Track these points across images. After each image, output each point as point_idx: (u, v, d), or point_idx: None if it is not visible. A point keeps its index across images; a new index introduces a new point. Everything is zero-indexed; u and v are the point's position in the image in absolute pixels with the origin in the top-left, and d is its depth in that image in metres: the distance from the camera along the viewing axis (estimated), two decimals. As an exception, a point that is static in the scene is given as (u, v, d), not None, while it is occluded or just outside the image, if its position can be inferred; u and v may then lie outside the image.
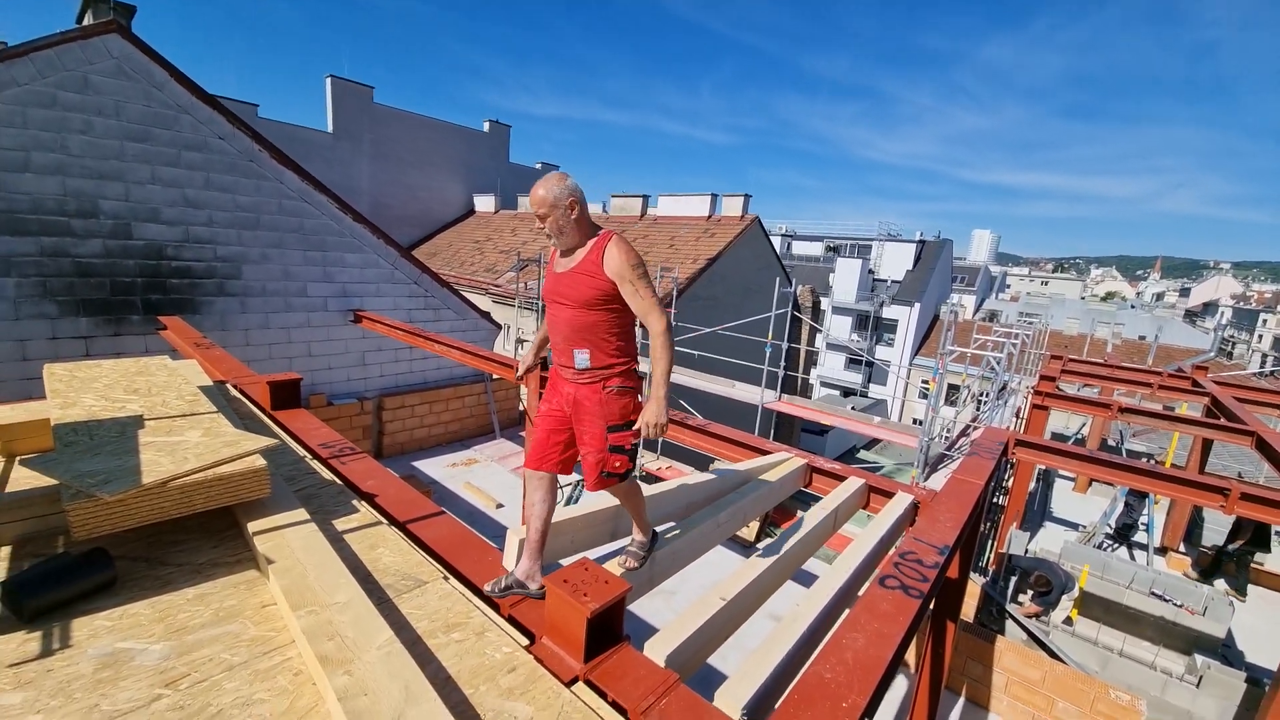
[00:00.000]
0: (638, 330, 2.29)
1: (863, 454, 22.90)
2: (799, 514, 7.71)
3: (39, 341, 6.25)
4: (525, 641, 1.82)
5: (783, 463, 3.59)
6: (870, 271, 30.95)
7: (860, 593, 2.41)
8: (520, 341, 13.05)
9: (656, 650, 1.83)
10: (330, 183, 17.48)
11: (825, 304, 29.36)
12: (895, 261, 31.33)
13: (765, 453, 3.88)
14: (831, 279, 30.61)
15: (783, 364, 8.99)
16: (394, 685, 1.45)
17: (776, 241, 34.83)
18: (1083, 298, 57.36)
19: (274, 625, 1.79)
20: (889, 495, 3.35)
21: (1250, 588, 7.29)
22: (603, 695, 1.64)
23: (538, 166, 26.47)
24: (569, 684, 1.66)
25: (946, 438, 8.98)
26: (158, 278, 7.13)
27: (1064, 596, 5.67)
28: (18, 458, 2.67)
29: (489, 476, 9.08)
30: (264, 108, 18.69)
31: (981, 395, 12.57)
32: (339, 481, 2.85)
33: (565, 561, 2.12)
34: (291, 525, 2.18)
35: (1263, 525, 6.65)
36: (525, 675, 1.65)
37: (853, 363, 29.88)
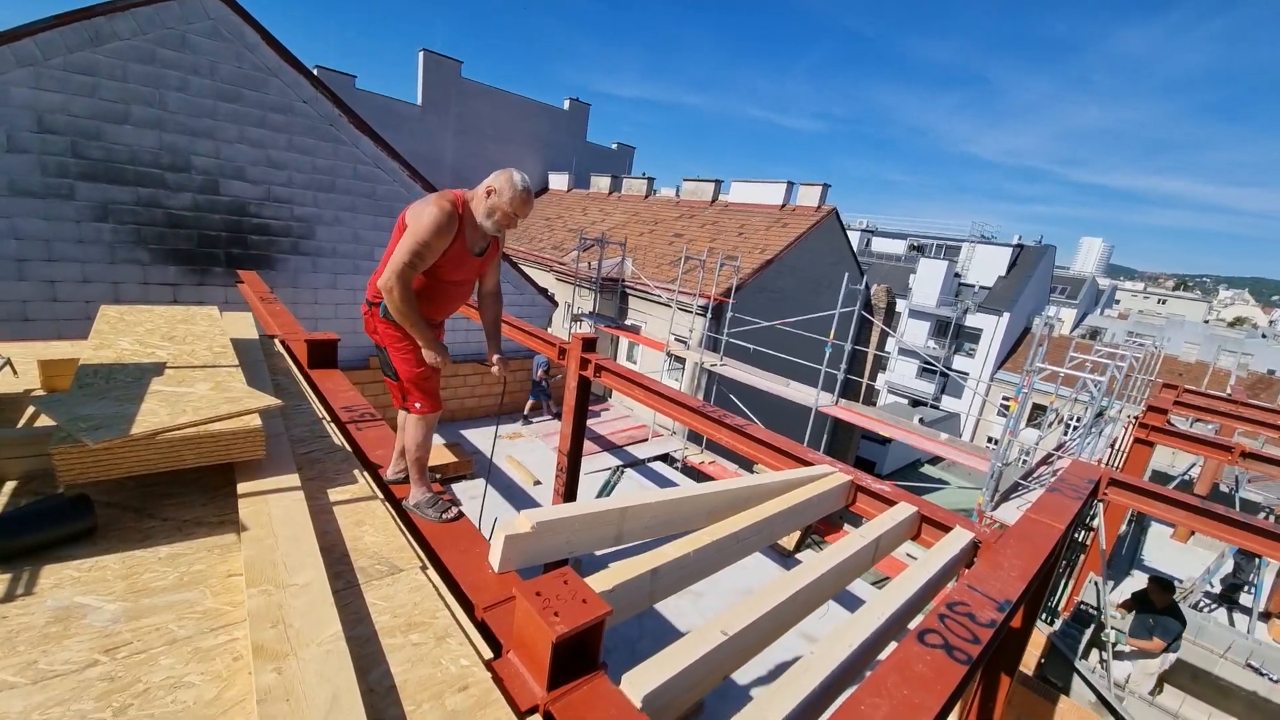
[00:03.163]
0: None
1: (927, 469, 21.54)
2: (845, 527, 7.17)
3: (131, 285, 6.76)
4: (489, 654, 1.62)
5: (824, 477, 3.22)
6: (956, 275, 28.72)
7: (893, 645, 2.06)
8: (577, 318, 13.02)
9: (635, 685, 1.58)
10: (415, 154, 18.13)
11: (902, 306, 27.60)
12: (986, 266, 28.88)
13: (807, 463, 3.51)
14: (912, 280, 28.68)
15: (843, 366, 8.38)
16: (321, 692, 1.29)
17: (855, 237, 33.10)
18: (1206, 321, 50.97)
19: (232, 598, 1.68)
20: (944, 529, 2.91)
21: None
22: (561, 734, 1.42)
23: (613, 147, 26.29)
24: (525, 714, 1.45)
25: (1024, 463, 8.11)
26: (240, 233, 7.53)
27: (1172, 653, 4.93)
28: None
29: (531, 452, 9.12)
30: (361, 79, 19.47)
31: (1072, 420, 11.33)
32: (348, 448, 2.78)
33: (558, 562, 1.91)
34: (278, 491, 2.09)
35: None
36: (476, 698, 1.45)
37: (926, 371, 28.02)
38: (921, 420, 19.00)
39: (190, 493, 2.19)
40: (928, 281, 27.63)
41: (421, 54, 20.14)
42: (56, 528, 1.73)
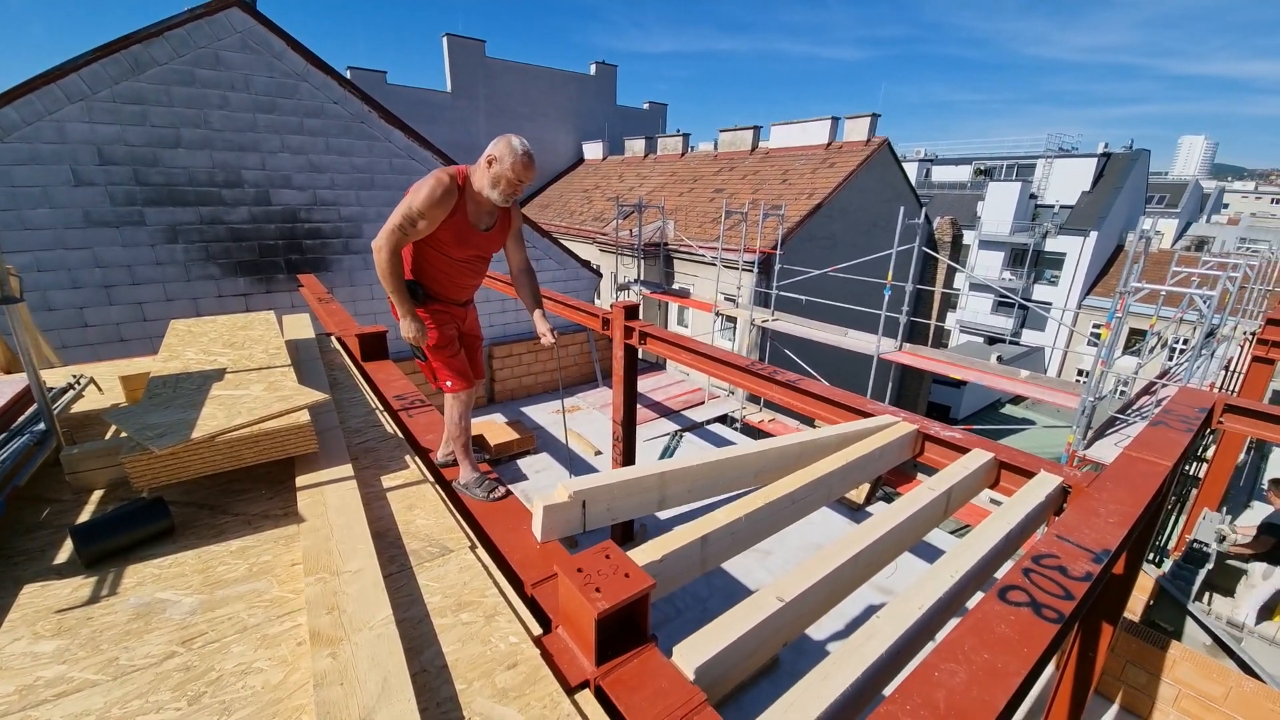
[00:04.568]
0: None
1: (1009, 409, 20.27)
2: (919, 477, 6.84)
3: (209, 299, 7.25)
4: (538, 630, 1.62)
5: (887, 428, 3.02)
6: (1032, 196, 26.22)
7: (970, 604, 1.90)
8: (623, 287, 12.93)
9: (687, 657, 1.52)
10: (450, 141, 18.28)
11: (970, 238, 25.59)
12: (1067, 182, 26.14)
13: (867, 414, 3.31)
14: (980, 208, 26.50)
15: (906, 309, 7.87)
16: (373, 676, 1.31)
17: (912, 169, 30.80)
18: (1341, 216, 44.10)
19: (295, 586, 1.76)
20: (1026, 475, 2.66)
21: None
22: (611, 709, 1.39)
23: (645, 107, 25.51)
24: (574, 689, 1.43)
25: (1122, 395, 7.40)
26: (295, 239, 7.88)
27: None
28: (143, 404, 2.98)
29: (589, 423, 9.25)
30: (393, 74, 19.71)
31: (1177, 342, 10.22)
32: (400, 435, 2.85)
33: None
34: (333, 482, 2.16)
35: None
36: (525, 674, 1.45)
37: (1003, 306, 26.08)
38: (1000, 358, 17.75)
39: (258, 488, 2.31)
40: (998, 207, 25.44)
41: (445, 39, 20.08)
42: (135, 530, 1.86)
